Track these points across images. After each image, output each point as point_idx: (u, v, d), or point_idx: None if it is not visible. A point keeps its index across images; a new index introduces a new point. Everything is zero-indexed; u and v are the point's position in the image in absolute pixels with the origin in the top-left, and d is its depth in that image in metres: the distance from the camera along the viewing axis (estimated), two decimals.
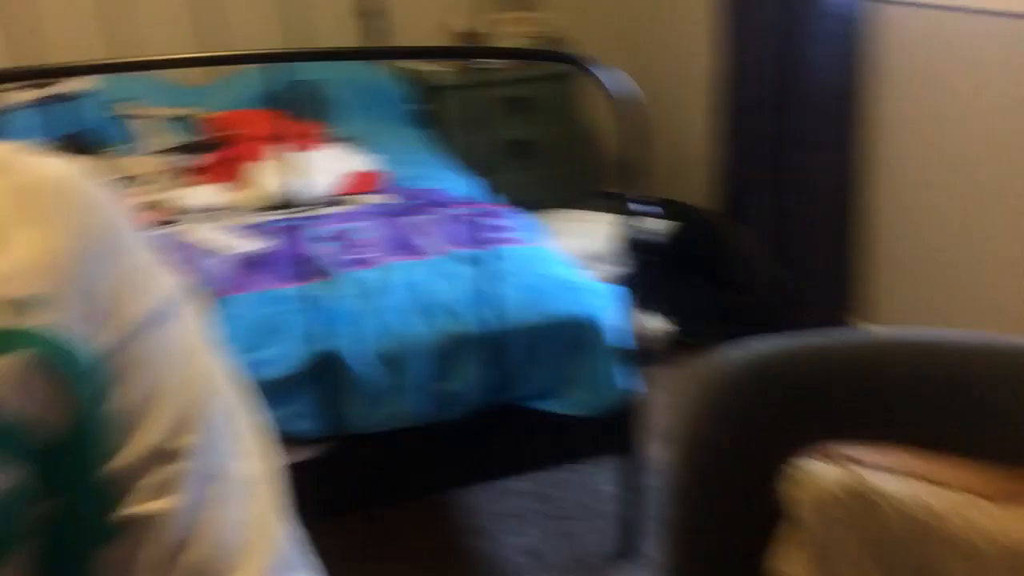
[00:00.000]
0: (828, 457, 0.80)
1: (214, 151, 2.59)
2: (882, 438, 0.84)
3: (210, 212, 2.21)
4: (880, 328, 2.35)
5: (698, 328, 2.50)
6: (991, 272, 2.10)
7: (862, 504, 0.76)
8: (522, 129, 3.26)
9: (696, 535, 0.89)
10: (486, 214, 1.95)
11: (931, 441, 0.84)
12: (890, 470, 0.78)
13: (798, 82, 2.37)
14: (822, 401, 0.89)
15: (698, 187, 2.99)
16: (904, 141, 2.29)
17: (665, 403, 2.26)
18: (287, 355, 1.57)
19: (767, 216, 2.56)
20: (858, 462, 0.78)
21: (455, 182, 2.42)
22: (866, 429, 0.86)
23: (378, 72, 3.23)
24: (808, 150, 2.40)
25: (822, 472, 0.78)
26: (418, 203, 2.21)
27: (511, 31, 3.33)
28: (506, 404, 1.69)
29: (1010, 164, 2.01)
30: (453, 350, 1.64)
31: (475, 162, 2.60)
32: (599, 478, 2.09)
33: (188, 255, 1.88)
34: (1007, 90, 1.98)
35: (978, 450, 0.83)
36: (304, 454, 1.57)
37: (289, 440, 1.54)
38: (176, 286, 0.55)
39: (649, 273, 1.77)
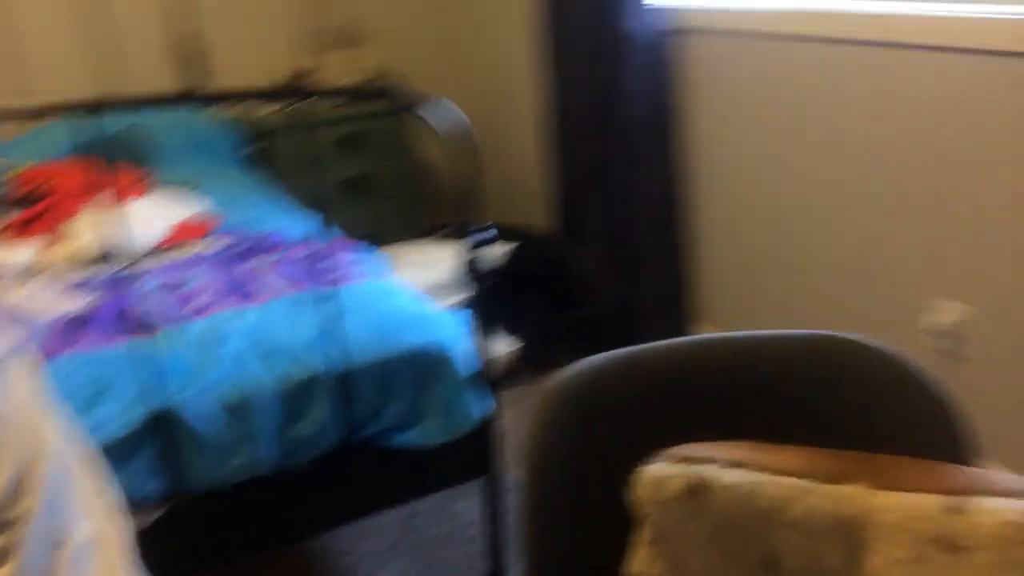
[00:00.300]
0: (670, 459, 0.84)
1: (28, 207, 2.42)
2: (720, 435, 0.89)
3: (28, 272, 2.07)
4: (714, 332, 2.48)
5: (545, 347, 2.56)
6: (809, 272, 2.27)
7: (704, 499, 0.80)
8: (357, 166, 3.25)
9: (552, 549, 0.91)
10: (325, 253, 1.93)
11: (765, 433, 0.90)
12: (729, 464, 0.82)
13: (618, 106, 2.49)
14: (660, 407, 0.94)
15: (535, 210, 3.08)
16: (720, 156, 2.45)
17: (519, 423, 2.31)
18: (120, 416, 1.48)
19: (602, 234, 2.66)
20: (698, 460, 0.82)
21: (291, 223, 2.37)
22: (705, 429, 0.90)
23: (204, 116, 3.14)
24: (633, 169, 2.52)
25: (665, 473, 0.82)
26: (253, 247, 2.15)
27: (340, 70, 3.32)
28: (361, 442, 1.67)
29: (814, 171, 2.18)
30: (300, 394, 1.60)
31: (311, 202, 2.57)
32: (462, 504, 2.10)
33: (8, 317, 1.75)
34: (801, 104, 2.16)
35: (808, 437, 0.90)
36: (150, 515, 1.49)
37: (133, 502, 1.46)
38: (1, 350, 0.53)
39: (493, 297, 1.80)
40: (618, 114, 2.50)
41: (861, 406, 0.95)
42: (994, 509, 0.74)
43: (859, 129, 2.05)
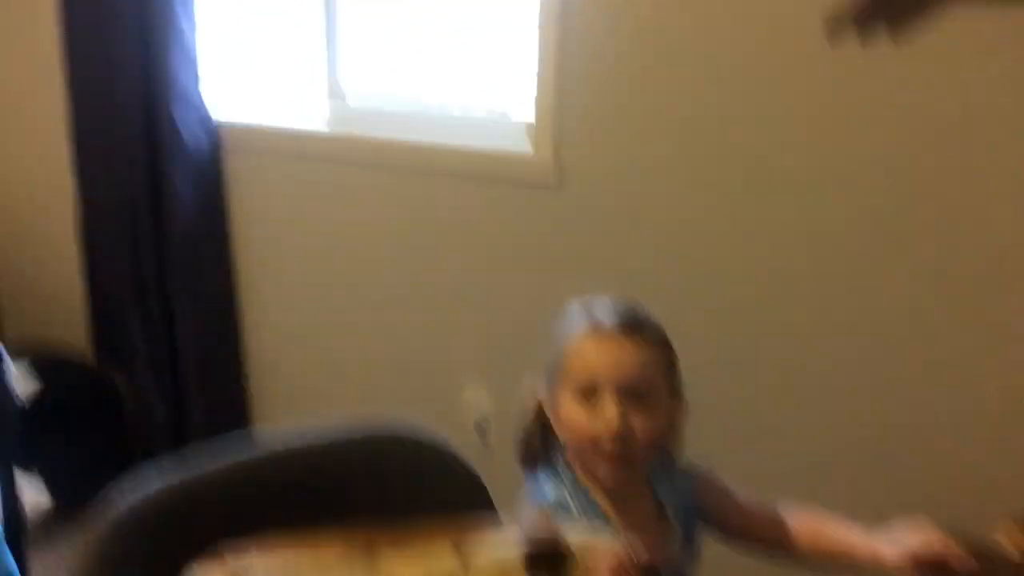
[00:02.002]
0: (211, 558, 0.84)
1: None
2: (265, 529, 0.92)
3: None
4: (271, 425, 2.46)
5: (85, 490, 2.30)
6: (363, 369, 2.42)
7: None
8: None
9: None
10: None
11: (305, 519, 0.94)
12: (269, 554, 0.86)
13: (165, 219, 2.42)
14: (216, 512, 0.94)
15: (74, 333, 2.78)
16: (274, 267, 2.50)
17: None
18: None
19: (145, 353, 2.52)
20: (238, 554, 0.84)
21: None
22: (252, 530, 0.92)
23: None
24: (183, 281, 2.45)
25: (207, 573, 0.82)
26: None
27: None
28: None
29: (362, 286, 2.35)
30: None
31: None
32: None
33: None
34: (345, 220, 2.33)
35: (344, 519, 0.96)
36: None
37: None
38: None
39: (24, 441, 1.59)
40: (165, 226, 2.42)
41: (404, 488, 1.05)
42: (490, 553, 0.87)
43: (395, 244, 2.27)
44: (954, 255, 1.63)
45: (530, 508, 1.10)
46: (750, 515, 1.15)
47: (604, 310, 1.10)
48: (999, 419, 1.65)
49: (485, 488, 1.08)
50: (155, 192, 2.42)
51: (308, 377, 2.53)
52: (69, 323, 2.78)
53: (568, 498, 1.09)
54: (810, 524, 1.12)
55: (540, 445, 1.17)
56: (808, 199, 1.74)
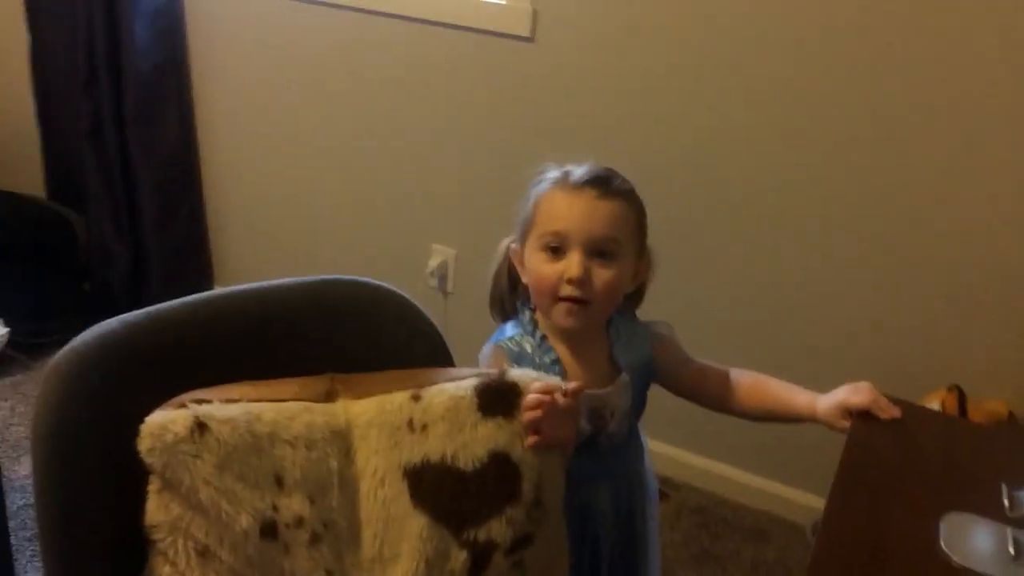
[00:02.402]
0: (170, 406, 0.86)
1: None
2: (225, 379, 0.93)
3: None
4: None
5: (40, 328, 2.30)
6: (325, 224, 2.39)
7: (206, 436, 0.84)
8: None
9: (75, 527, 0.87)
10: None
11: (279, 373, 0.96)
12: (227, 401, 0.87)
13: (122, 60, 2.31)
14: (180, 363, 0.94)
15: (29, 176, 2.72)
16: (235, 113, 2.42)
17: (13, 416, 2.08)
18: None
19: (103, 196, 2.47)
20: (200, 402, 0.86)
21: None
22: (210, 375, 0.94)
23: None
24: (141, 126, 2.38)
25: (166, 419, 0.84)
26: None
27: None
28: None
29: (326, 130, 2.29)
30: None
31: None
32: None
33: None
34: (310, 65, 2.24)
35: (317, 370, 0.98)
36: None
37: None
38: None
39: None
40: (123, 67, 2.32)
41: (363, 337, 1.06)
42: (442, 391, 0.90)
43: (361, 93, 2.20)
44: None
45: (488, 347, 1.14)
46: (702, 376, 1.20)
47: (578, 168, 1.11)
48: (943, 302, 1.72)
49: (444, 341, 1.10)
50: (112, 30, 2.30)
51: (268, 231, 2.50)
52: (25, 165, 2.72)
53: (526, 343, 1.12)
54: (754, 383, 1.18)
55: (509, 297, 1.20)
56: (781, 54, 1.71)
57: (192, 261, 2.56)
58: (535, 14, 1.89)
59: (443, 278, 2.22)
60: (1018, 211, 1.62)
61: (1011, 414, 1.64)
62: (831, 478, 0.94)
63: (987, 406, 1.63)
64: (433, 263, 2.21)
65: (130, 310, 0.94)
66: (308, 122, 2.31)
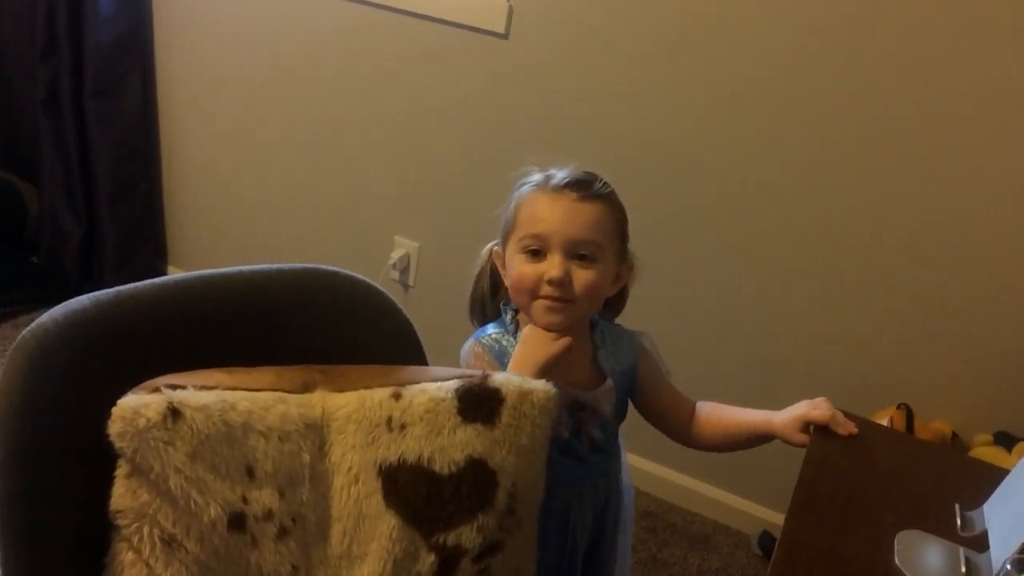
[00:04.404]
0: (144, 390, 0.84)
1: None
2: (198, 364, 0.92)
3: None
4: (188, 271, 2.42)
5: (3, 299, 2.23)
6: (288, 212, 2.36)
7: (179, 423, 0.82)
8: None
9: (36, 510, 0.85)
10: None
11: (250, 361, 0.95)
12: (201, 388, 0.86)
13: (84, 29, 2.25)
14: (148, 347, 0.92)
15: None
16: (198, 91, 2.38)
17: None
18: None
19: (63, 169, 2.40)
20: (173, 387, 0.84)
21: None
22: (192, 363, 0.92)
23: None
24: (100, 98, 2.31)
25: (139, 404, 0.82)
26: None
27: None
28: None
29: (294, 116, 2.26)
30: None
31: None
32: None
33: None
34: (280, 50, 2.21)
35: (288, 359, 0.97)
36: None
37: None
38: None
39: None
40: (81, 37, 2.26)
41: (335, 327, 1.05)
42: (424, 391, 0.90)
43: (330, 81, 2.17)
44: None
45: (469, 344, 1.14)
46: (673, 396, 1.22)
47: (559, 171, 1.11)
48: (896, 324, 1.76)
49: (417, 337, 1.10)
50: (72, 3, 2.24)
51: (227, 214, 2.46)
52: None
53: (507, 342, 1.12)
54: (712, 409, 1.21)
55: (491, 301, 1.20)
56: (753, 44, 1.73)
57: (146, 240, 2.51)
58: (511, 10, 1.89)
59: (405, 271, 2.21)
60: (965, 245, 1.67)
61: (954, 434, 1.70)
62: (778, 489, 0.96)
63: (933, 426, 1.68)
64: (395, 255, 2.20)
65: (80, 286, 0.92)
66: (273, 106, 2.28)
